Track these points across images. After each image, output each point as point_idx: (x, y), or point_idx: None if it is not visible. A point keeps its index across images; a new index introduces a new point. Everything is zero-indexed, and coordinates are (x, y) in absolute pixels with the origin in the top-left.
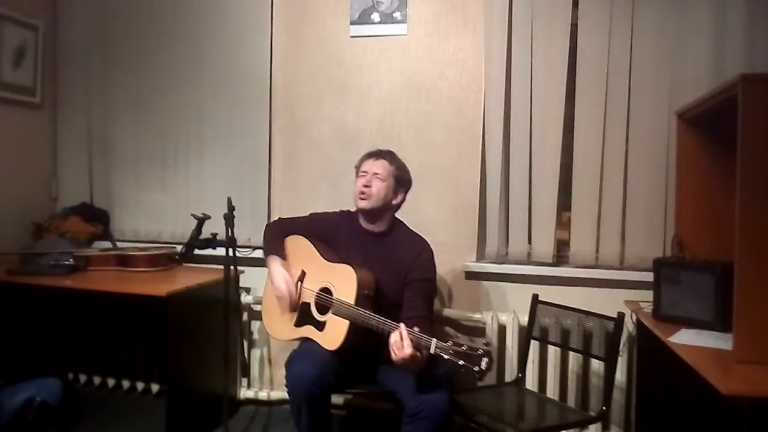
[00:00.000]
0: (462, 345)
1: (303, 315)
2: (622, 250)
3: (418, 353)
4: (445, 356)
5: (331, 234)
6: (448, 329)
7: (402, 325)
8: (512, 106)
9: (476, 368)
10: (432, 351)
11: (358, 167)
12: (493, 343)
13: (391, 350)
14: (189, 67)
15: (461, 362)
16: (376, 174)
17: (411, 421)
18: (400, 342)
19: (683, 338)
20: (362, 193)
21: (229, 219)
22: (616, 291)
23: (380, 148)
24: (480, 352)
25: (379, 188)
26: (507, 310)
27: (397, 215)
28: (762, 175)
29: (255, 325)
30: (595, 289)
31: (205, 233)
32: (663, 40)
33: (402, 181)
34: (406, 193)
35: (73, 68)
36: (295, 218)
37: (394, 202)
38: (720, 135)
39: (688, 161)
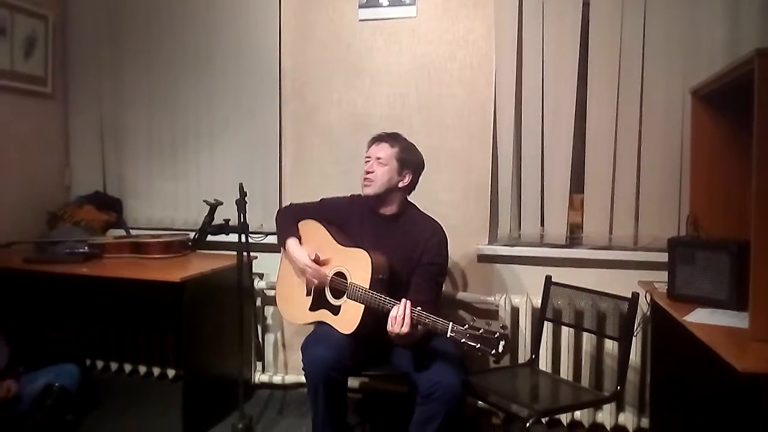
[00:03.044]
0: (479, 329)
1: (318, 299)
2: (635, 231)
3: (414, 330)
4: (462, 340)
5: (343, 218)
6: (463, 313)
7: (406, 301)
8: (524, 87)
9: (493, 351)
10: (448, 335)
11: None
12: (506, 325)
13: (389, 323)
14: (198, 53)
15: (478, 346)
16: (378, 158)
17: (425, 402)
18: (401, 319)
19: (698, 317)
20: (365, 179)
21: (241, 205)
22: (629, 272)
23: (386, 132)
24: (497, 335)
25: (381, 173)
26: (520, 293)
27: (409, 198)
28: None
29: (269, 311)
30: (609, 270)
31: (218, 219)
32: (676, 17)
33: (407, 162)
34: (415, 174)
35: (83, 57)
36: (307, 204)
37: (401, 184)
38: (735, 112)
39: (703, 139)
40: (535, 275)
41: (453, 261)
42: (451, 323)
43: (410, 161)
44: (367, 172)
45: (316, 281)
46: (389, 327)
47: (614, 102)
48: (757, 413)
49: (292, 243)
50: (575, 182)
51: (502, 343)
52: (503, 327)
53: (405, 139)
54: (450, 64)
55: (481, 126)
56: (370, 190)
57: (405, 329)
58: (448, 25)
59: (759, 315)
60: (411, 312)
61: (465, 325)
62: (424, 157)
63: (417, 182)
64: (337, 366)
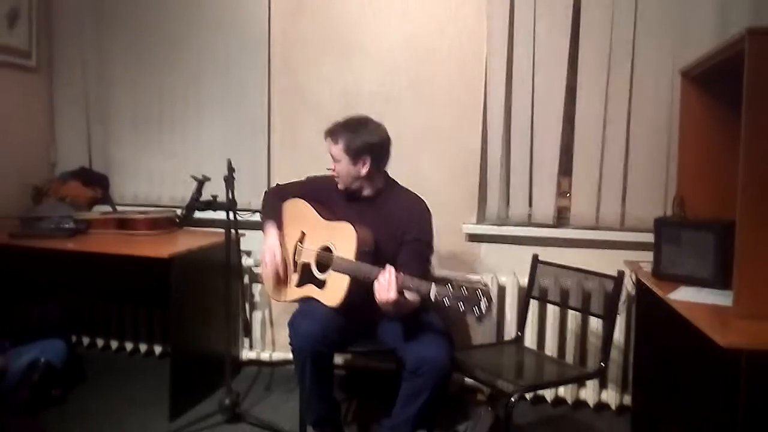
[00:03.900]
0: (461, 286)
1: (304, 275)
2: (622, 212)
3: (403, 298)
4: (446, 301)
5: (328, 196)
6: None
7: (390, 267)
8: (514, 64)
9: (476, 309)
10: (432, 297)
11: None
12: (487, 283)
13: (376, 291)
14: (185, 27)
15: (461, 306)
16: (333, 157)
17: (411, 377)
18: (387, 284)
19: (683, 295)
20: (335, 176)
21: (229, 181)
22: (616, 252)
23: (332, 125)
24: (479, 293)
25: (340, 169)
26: (507, 272)
27: (391, 172)
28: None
29: (256, 288)
30: (595, 250)
31: (205, 195)
32: None
33: (358, 150)
34: (375, 155)
35: (67, 30)
36: (292, 183)
37: (363, 172)
38: (724, 93)
39: (692, 121)
40: (522, 255)
41: (441, 240)
42: (433, 284)
43: (361, 148)
44: (332, 169)
45: (273, 270)
46: (377, 295)
47: (604, 83)
48: (738, 390)
49: (268, 227)
50: (564, 163)
51: (484, 300)
52: (485, 285)
53: (349, 124)
54: (440, 40)
55: (471, 104)
56: (341, 186)
57: (392, 295)
58: (439, 0)
59: (742, 292)
60: (396, 277)
61: (447, 285)
62: (385, 134)
63: (385, 156)
64: (324, 340)
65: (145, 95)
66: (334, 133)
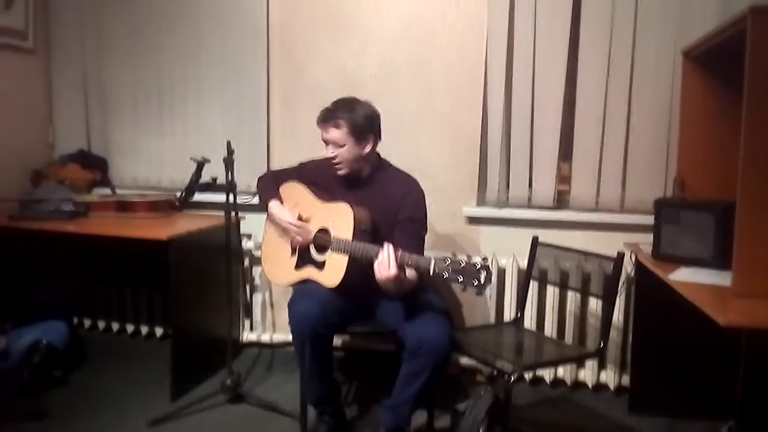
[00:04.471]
0: (461, 262)
1: (302, 257)
2: (622, 194)
3: (402, 275)
4: (445, 274)
5: (322, 179)
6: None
7: (388, 244)
8: (515, 48)
9: (475, 282)
10: (431, 271)
11: None
12: (487, 257)
13: (376, 269)
14: (184, 8)
15: (460, 278)
16: (335, 142)
17: (412, 357)
18: (386, 261)
19: (682, 275)
20: (333, 164)
21: (229, 163)
22: (615, 234)
23: (327, 108)
24: (478, 267)
25: (344, 153)
26: (507, 255)
27: (391, 155)
28: None
29: (256, 271)
30: (595, 232)
31: (205, 177)
32: None
33: (361, 131)
34: (376, 131)
35: (65, 11)
36: (286, 168)
37: (366, 152)
38: (726, 74)
39: (693, 101)
40: (522, 237)
41: (441, 223)
42: (433, 258)
43: (364, 127)
44: (332, 158)
45: (300, 239)
46: (377, 273)
47: (605, 65)
48: (736, 370)
49: (274, 205)
50: (564, 146)
51: (483, 274)
52: (484, 259)
53: (347, 104)
54: (440, 23)
55: (471, 87)
56: (343, 172)
57: (393, 271)
58: None
59: (742, 272)
60: (395, 253)
61: (447, 259)
62: (377, 109)
63: (380, 133)
64: (323, 321)
65: (145, 77)
66: (331, 117)
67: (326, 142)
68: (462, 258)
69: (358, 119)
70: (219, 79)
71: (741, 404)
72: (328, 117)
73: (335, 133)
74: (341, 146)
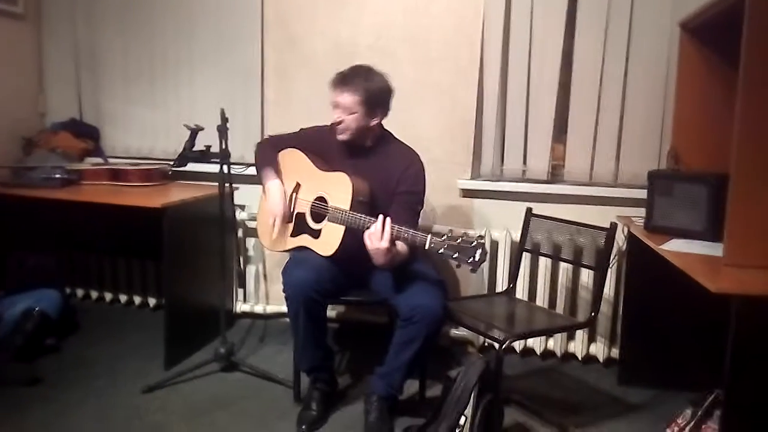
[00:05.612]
0: (457, 239)
1: (299, 225)
2: (616, 168)
3: (394, 248)
4: (440, 250)
5: (322, 146)
6: (440, 227)
7: (384, 216)
8: (512, 20)
9: (470, 260)
10: (427, 246)
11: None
12: (482, 235)
13: (367, 239)
14: None
15: (455, 255)
16: (346, 108)
17: (405, 325)
18: (380, 233)
19: (674, 246)
20: (337, 128)
21: (223, 131)
22: (609, 208)
23: (345, 72)
24: (474, 244)
25: (350, 121)
26: (501, 228)
27: (387, 127)
28: (765, 84)
29: (250, 242)
30: (589, 206)
31: (199, 146)
32: None
33: (374, 103)
34: (387, 107)
35: None
36: (285, 134)
37: (372, 124)
38: (723, 46)
39: (689, 73)
40: (516, 211)
41: (435, 195)
42: (429, 235)
43: (379, 100)
44: (338, 122)
45: (278, 223)
46: (368, 243)
47: (602, 37)
48: (725, 342)
49: (273, 187)
50: (559, 120)
51: (479, 251)
52: (480, 237)
53: (366, 73)
54: None
55: (467, 60)
56: (344, 137)
57: (384, 243)
58: None
59: (733, 242)
60: (390, 227)
61: (443, 236)
62: (392, 84)
63: (390, 107)
64: (317, 287)
65: (137, 45)
66: (347, 82)
67: (335, 106)
68: (458, 234)
69: (374, 90)
70: (213, 49)
71: (729, 373)
72: (344, 81)
73: (348, 99)
74: (350, 113)
